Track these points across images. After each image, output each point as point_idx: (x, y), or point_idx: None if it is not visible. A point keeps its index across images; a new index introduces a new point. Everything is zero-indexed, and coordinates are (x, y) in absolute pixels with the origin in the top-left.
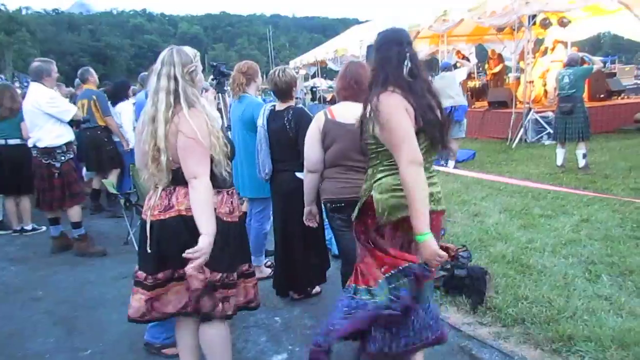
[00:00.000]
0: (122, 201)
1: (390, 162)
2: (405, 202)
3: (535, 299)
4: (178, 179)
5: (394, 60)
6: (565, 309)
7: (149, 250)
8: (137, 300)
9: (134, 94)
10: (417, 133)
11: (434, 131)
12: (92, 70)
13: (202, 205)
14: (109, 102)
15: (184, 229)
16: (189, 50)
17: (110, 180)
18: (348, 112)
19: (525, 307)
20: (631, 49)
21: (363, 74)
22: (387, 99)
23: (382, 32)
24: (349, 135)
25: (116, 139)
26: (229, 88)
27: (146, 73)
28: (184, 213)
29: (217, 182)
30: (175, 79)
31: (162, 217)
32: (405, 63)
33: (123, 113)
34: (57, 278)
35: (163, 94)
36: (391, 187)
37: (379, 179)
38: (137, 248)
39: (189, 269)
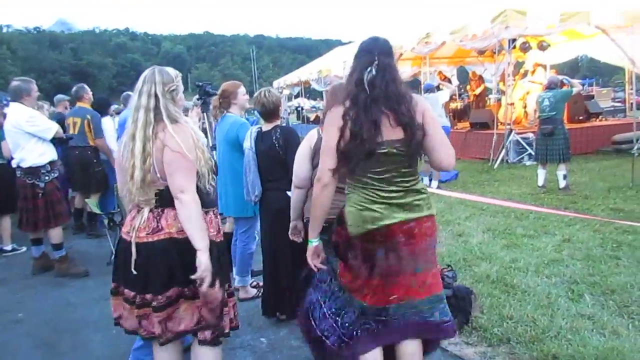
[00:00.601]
0: (105, 221)
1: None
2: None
3: (520, 318)
4: (166, 200)
5: (357, 70)
6: (550, 328)
7: (133, 272)
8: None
9: (118, 113)
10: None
11: (357, 148)
12: (87, 87)
13: (194, 220)
14: None
15: (174, 252)
16: (170, 70)
17: (93, 200)
18: None
19: (511, 326)
20: (608, 72)
21: None
22: (328, 114)
23: (362, 42)
24: None
25: (104, 157)
26: (211, 108)
27: (130, 93)
28: (175, 235)
29: (203, 199)
30: (156, 96)
31: (150, 240)
32: (369, 70)
33: (106, 129)
34: (38, 300)
35: (142, 112)
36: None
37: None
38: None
39: (204, 288)
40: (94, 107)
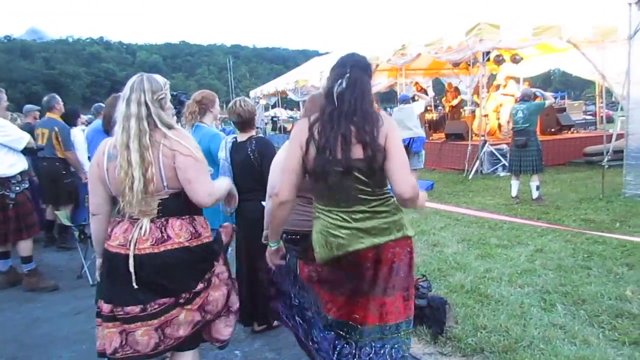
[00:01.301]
0: (76, 233)
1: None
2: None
3: (493, 328)
4: (170, 209)
5: (329, 82)
6: (522, 338)
7: (135, 286)
8: (106, 334)
9: (88, 123)
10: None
11: (321, 165)
12: (58, 97)
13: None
14: None
15: (185, 260)
16: (159, 78)
17: (64, 212)
18: None
19: (484, 336)
20: (579, 86)
21: None
22: (294, 126)
23: (340, 56)
24: None
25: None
26: (183, 118)
27: (101, 104)
28: (186, 244)
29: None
30: (146, 105)
31: (155, 251)
32: (339, 82)
33: (75, 141)
34: (5, 316)
35: (134, 120)
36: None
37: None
38: (92, 282)
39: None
40: (63, 118)
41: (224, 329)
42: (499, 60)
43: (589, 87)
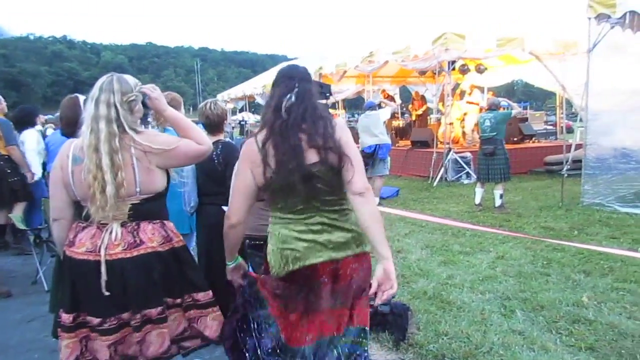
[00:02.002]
0: (31, 237)
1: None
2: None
3: (454, 334)
4: (142, 213)
5: (276, 97)
6: (483, 344)
7: (105, 293)
8: (66, 347)
9: (53, 124)
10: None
11: (284, 177)
12: (0, 97)
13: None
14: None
15: (157, 265)
16: (130, 78)
17: (18, 215)
18: None
19: (446, 342)
20: (541, 97)
21: None
22: (245, 145)
23: (281, 69)
24: None
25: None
26: (152, 120)
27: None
28: (159, 249)
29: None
30: (115, 106)
31: (127, 256)
32: (288, 97)
33: (27, 141)
34: None
35: (103, 123)
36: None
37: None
38: (47, 288)
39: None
40: (17, 119)
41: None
42: (464, 70)
43: (551, 98)
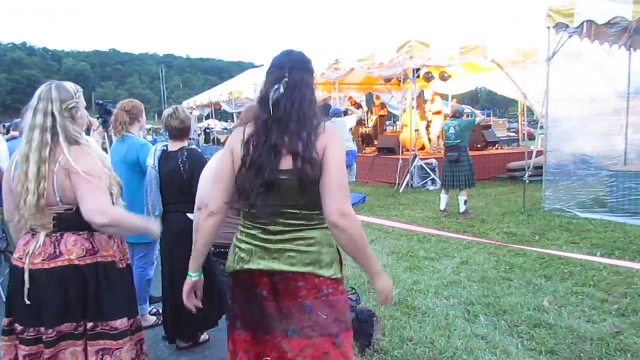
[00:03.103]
0: None
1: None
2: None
3: (419, 340)
4: (66, 224)
5: (264, 88)
6: (446, 349)
7: (27, 302)
8: (1, 348)
9: (7, 132)
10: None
11: (254, 178)
12: None
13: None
14: None
15: (73, 279)
16: (69, 85)
17: None
18: None
19: (410, 348)
20: (504, 104)
21: None
22: (233, 132)
23: (274, 56)
24: None
25: None
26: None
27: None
28: (76, 262)
29: None
30: (53, 115)
31: (45, 266)
32: (276, 87)
33: None
34: None
35: (38, 132)
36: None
37: None
38: (4, 298)
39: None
40: None
41: None
42: (428, 77)
43: (513, 106)
